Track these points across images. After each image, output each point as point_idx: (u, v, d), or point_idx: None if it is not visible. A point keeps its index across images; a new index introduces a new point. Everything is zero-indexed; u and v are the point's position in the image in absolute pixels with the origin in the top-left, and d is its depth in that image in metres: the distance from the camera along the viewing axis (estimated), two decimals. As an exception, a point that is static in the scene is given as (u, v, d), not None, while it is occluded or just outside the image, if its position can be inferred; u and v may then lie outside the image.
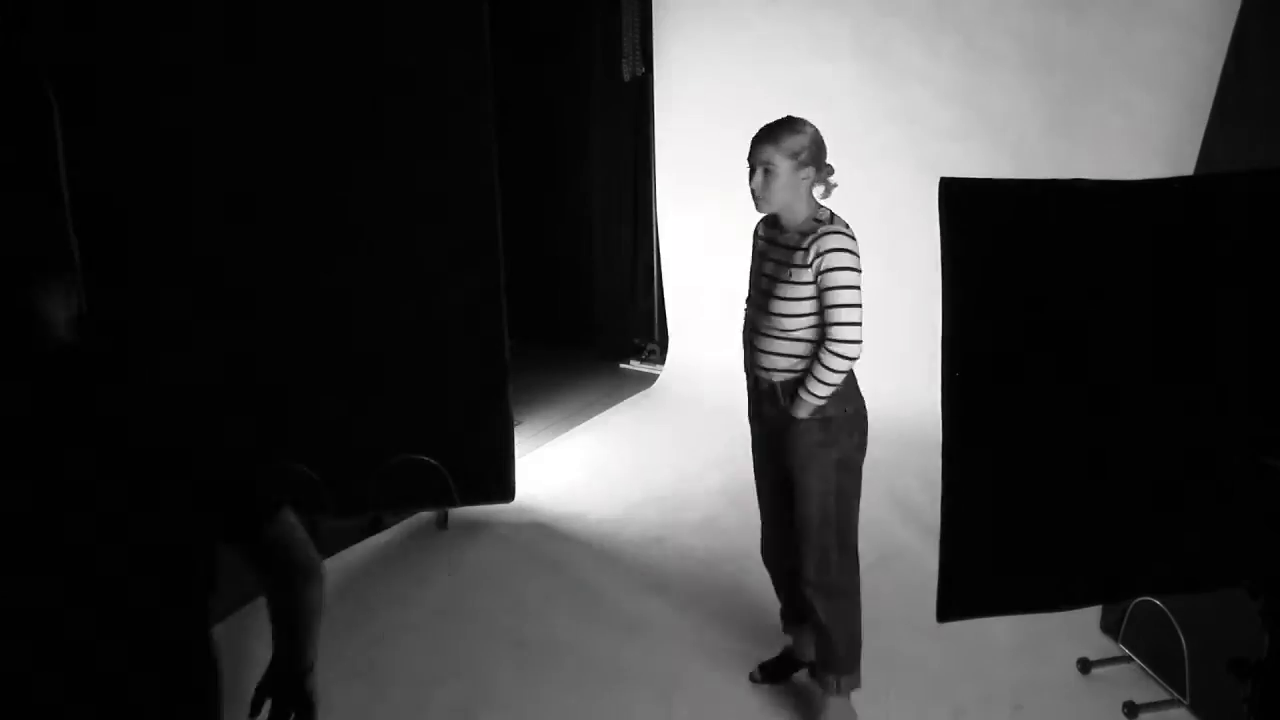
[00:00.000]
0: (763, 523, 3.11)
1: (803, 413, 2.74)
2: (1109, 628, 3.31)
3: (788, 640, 3.21)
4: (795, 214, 2.73)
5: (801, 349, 2.73)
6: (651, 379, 6.26)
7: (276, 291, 3.87)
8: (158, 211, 3.74)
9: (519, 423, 4.97)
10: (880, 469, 4.84)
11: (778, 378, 2.79)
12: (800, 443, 2.77)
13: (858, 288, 2.65)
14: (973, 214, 1.71)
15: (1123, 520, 1.86)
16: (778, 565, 3.09)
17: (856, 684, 2.95)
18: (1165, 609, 2.95)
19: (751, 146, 2.77)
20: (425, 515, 4.33)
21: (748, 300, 2.97)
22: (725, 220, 6.01)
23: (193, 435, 1.48)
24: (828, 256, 2.64)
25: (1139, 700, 2.94)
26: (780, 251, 2.73)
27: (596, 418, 5.63)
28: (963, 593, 1.84)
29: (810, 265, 2.65)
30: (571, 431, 5.42)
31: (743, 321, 2.99)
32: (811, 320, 2.69)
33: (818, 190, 2.75)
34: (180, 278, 3.81)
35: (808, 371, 2.71)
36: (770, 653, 3.30)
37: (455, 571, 3.90)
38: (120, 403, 1.43)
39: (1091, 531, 1.86)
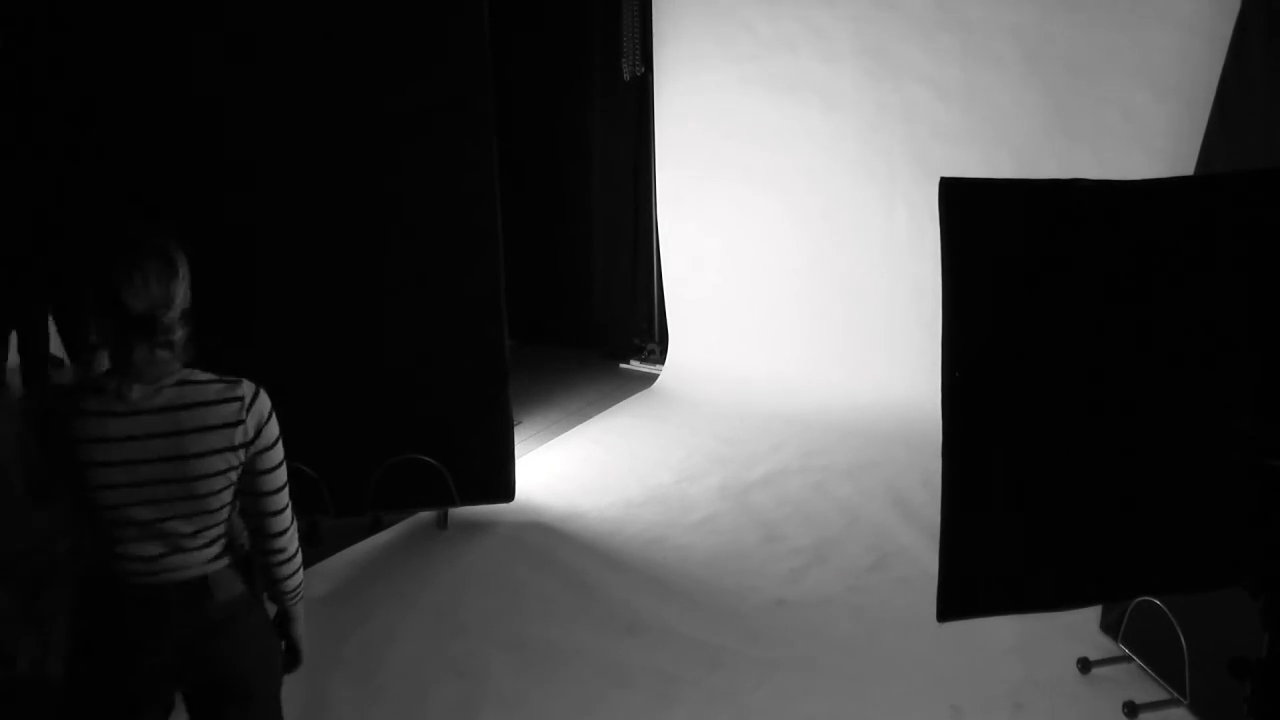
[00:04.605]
0: None
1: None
2: (1109, 628, 3.31)
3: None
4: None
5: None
6: (651, 379, 6.26)
7: (274, 293, 3.87)
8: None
9: (519, 423, 4.97)
10: (880, 469, 4.85)
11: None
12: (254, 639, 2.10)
13: None
14: (972, 214, 1.71)
15: (1123, 520, 1.86)
16: None
17: None
18: (1165, 609, 2.95)
19: None
20: (425, 515, 4.33)
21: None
22: (725, 220, 6.01)
23: None
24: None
25: (1139, 700, 2.94)
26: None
27: (596, 418, 5.63)
28: (963, 593, 1.85)
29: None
30: (571, 431, 5.42)
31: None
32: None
33: None
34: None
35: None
36: (769, 652, 3.29)
37: (454, 569, 3.90)
38: None
39: (1091, 531, 1.86)
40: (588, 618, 3.57)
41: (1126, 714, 2.94)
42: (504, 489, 4.29)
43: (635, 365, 6.57)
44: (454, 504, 4.20)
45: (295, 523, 2.10)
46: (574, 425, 5.51)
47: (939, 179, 1.71)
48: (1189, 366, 1.80)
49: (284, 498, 2.06)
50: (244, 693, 2.07)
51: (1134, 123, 4.70)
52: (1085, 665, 3.17)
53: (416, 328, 3.99)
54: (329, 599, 3.67)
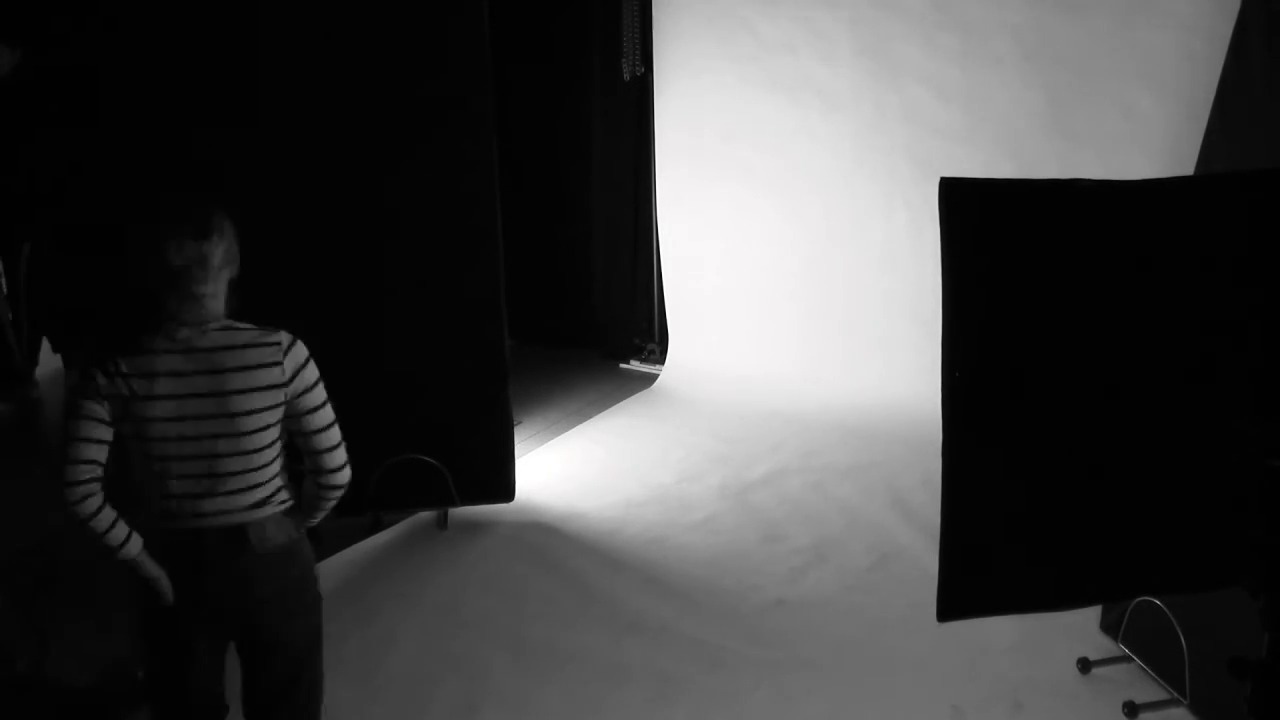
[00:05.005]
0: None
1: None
2: (1109, 628, 3.31)
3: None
4: None
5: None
6: (651, 379, 6.25)
7: (273, 293, 3.86)
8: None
9: (519, 423, 4.97)
10: (880, 469, 4.85)
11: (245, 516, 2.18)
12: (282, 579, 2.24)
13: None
14: (972, 214, 1.71)
15: (1123, 520, 1.86)
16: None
17: None
18: (1165, 609, 2.95)
19: None
20: (425, 515, 4.33)
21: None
22: (725, 219, 6.01)
23: None
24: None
25: (1139, 700, 2.94)
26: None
27: (596, 418, 5.63)
28: (963, 593, 1.85)
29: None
30: (571, 431, 5.42)
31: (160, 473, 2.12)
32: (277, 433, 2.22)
33: None
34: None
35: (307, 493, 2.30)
36: (769, 652, 3.29)
37: (454, 569, 3.89)
38: None
39: (1092, 531, 1.86)
40: (588, 618, 3.56)
41: (1126, 714, 2.94)
42: (504, 489, 4.29)
43: (635, 365, 6.57)
44: (454, 504, 4.20)
45: (348, 464, 2.30)
46: (574, 425, 5.51)
47: (939, 179, 1.70)
48: (1189, 366, 1.80)
49: (334, 435, 2.25)
50: (279, 643, 2.25)
51: (1134, 123, 4.70)
52: (1085, 665, 3.17)
53: (416, 328, 3.99)
54: (329, 599, 3.64)
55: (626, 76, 6.22)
